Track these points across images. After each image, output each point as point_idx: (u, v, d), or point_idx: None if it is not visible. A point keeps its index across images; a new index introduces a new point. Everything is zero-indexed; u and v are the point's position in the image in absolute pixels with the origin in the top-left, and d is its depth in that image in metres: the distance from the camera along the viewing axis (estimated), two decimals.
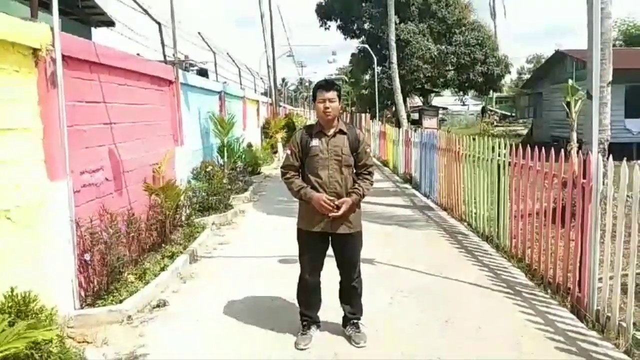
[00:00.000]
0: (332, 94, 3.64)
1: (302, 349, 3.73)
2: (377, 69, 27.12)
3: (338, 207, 3.56)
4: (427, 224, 7.85)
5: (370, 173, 3.80)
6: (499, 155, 6.36)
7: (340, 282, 3.92)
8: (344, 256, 3.79)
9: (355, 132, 3.80)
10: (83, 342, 3.85)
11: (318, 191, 3.60)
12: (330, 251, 3.83)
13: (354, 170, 3.76)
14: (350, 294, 3.90)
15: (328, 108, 3.62)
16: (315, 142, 3.68)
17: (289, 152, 3.78)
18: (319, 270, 3.84)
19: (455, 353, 3.70)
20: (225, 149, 10.47)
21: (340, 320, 3.99)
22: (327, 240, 3.76)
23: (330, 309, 4.03)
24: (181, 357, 3.77)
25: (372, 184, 3.81)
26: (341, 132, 3.72)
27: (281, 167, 3.83)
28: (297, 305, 3.98)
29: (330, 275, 3.92)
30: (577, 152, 5.41)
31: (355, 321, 3.90)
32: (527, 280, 5.10)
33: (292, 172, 3.74)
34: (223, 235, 7.38)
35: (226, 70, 15.92)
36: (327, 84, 3.72)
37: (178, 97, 7.98)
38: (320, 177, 3.63)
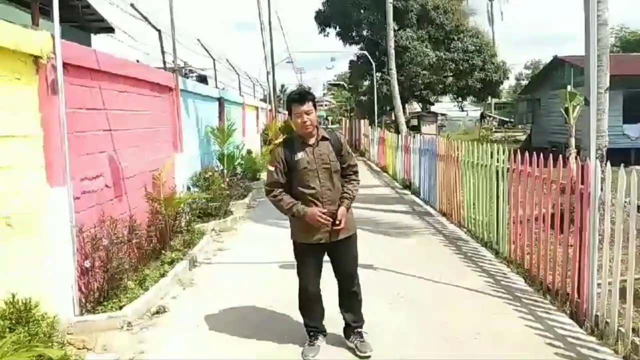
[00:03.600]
0: (307, 106, 3.53)
1: None
2: (376, 75, 27.18)
3: (334, 218, 3.53)
4: (427, 230, 7.86)
5: (355, 172, 3.78)
6: (497, 161, 6.38)
7: (340, 290, 3.86)
8: (343, 261, 3.75)
9: (335, 135, 3.76)
10: (83, 348, 3.85)
11: (312, 203, 3.55)
12: (325, 257, 3.78)
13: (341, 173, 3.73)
14: (351, 300, 3.85)
15: (306, 121, 3.53)
16: (300, 154, 3.57)
17: (272, 169, 3.63)
18: (318, 279, 3.79)
19: (454, 358, 3.70)
20: (225, 155, 10.49)
21: (338, 331, 3.94)
22: (323, 249, 3.70)
23: (331, 319, 3.98)
24: None
25: (359, 183, 3.80)
26: (324, 138, 3.66)
27: (265, 186, 3.70)
28: (300, 314, 3.92)
29: (328, 286, 3.88)
30: (576, 158, 5.42)
31: (358, 330, 3.85)
32: (526, 286, 5.11)
33: (279, 189, 3.61)
34: (222, 241, 7.39)
35: (225, 77, 15.97)
36: (300, 97, 3.57)
37: (178, 104, 8.00)
38: (313, 187, 3.55)
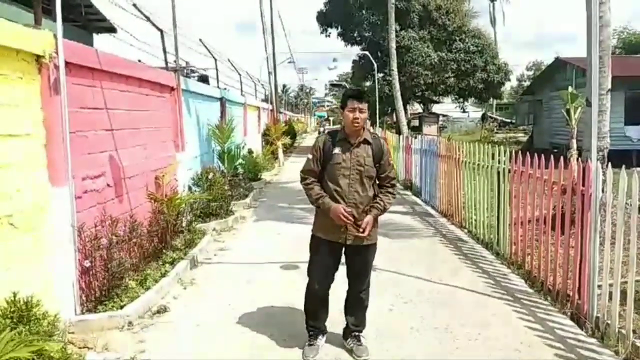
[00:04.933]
0: (363, 105, 3.57)
1: None
2: (378, 75, 27.16)
3: (355, 219, 3.48)
4: (428, 231, 7.86)
5: (392, 185, 3.73)
6: (499, 163, 6.38)
7: (348, 292, 3.85)
8: (357, 267, 3.73)
9: (379, 142, 3.71)
10: (84, 347, 3.85)
11: (337, 201, 3.53)
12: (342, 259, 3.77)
13: (376, 182, 3.70)
14: (356, 305, 3.84)
15: (357, 118, 3.54)
16: (337, 149, 3.60)
17: (310, 156, 3.69)
18: (330, 281, 3.75)
19: (454, 359, 3.71)
20: (226, 155, 10.50)
21: (340, 331, 3.95)
22: (341, 250, 3.67)
23: (332, 319, 3.98)
24: None
25: (394, 197, 3.74)
26: (365, 141, 3.64)
27: (301, 172, 3.73)
28: (303, 311, 3.91)
29: (335, 286, 3.87)
30: (577, 160, 5.43)
31: (356, 334, 3.85)
32: (527, 287, 5.11)
33: (312, 177, 3.66)
34: (223, 241, 7.39)
35: (227, 77, 15.94)
36: (359, 94, 3.64)
37: (179, 104, 8.01)
38: (340, 186, 3.55)
